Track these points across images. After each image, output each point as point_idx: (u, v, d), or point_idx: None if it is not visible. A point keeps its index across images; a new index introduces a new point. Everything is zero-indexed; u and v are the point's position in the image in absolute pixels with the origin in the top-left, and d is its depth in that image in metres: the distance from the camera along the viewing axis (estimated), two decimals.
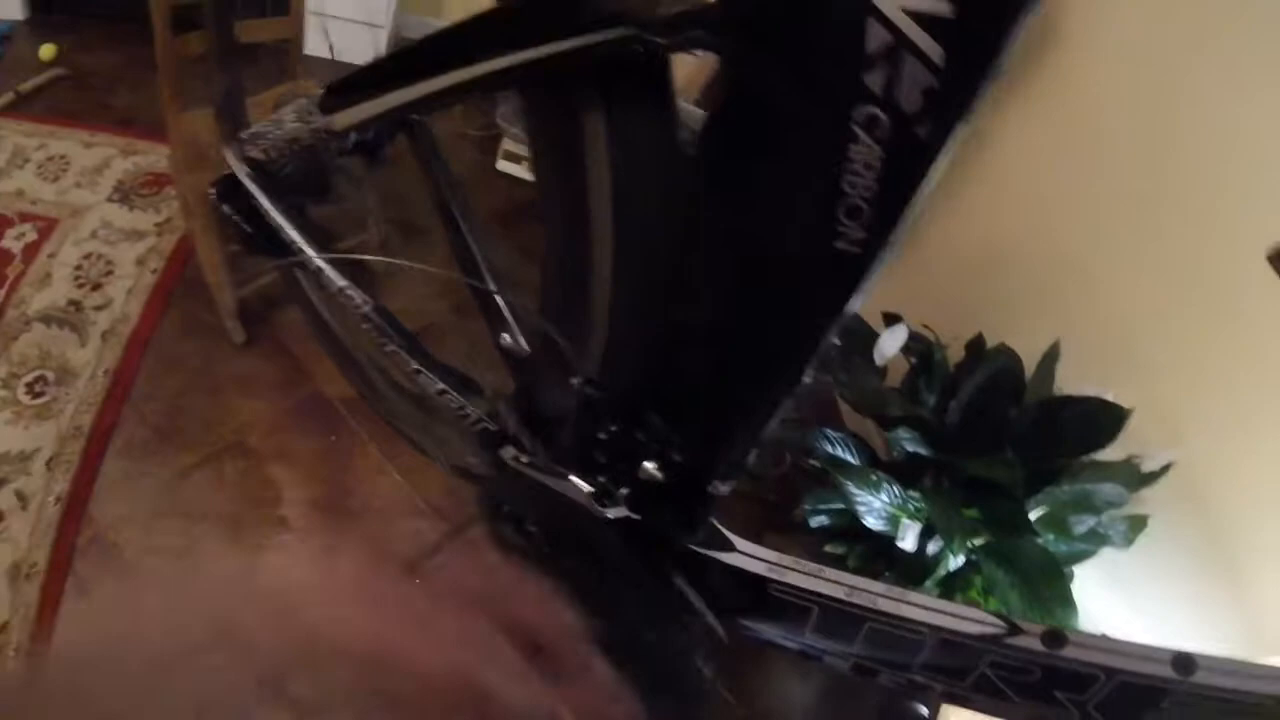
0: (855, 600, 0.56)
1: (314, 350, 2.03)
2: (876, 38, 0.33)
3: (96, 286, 2.20)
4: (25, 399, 1.96)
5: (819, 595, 0.57)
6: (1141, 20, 1.65)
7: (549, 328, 0.54)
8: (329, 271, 0.77)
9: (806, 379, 0.45)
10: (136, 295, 2.19)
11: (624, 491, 0.57)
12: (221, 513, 1.84)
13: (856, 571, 1.46)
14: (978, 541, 1.56)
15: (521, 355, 0.70)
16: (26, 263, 2.22)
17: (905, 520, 1.49)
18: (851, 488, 1.50)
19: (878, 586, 0.57)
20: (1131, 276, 1.69)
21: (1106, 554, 1.59)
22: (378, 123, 0.66)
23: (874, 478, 1.52)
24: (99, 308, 2.15)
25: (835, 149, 0.35)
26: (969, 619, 0.55)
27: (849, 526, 1.59)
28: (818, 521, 1.64)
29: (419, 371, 0.71)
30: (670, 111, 0.48)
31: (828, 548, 1.64)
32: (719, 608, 0.62)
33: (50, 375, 2.01)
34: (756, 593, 0.59)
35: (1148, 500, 1.58)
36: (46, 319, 2.11)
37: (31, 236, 2.28)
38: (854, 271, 0.39)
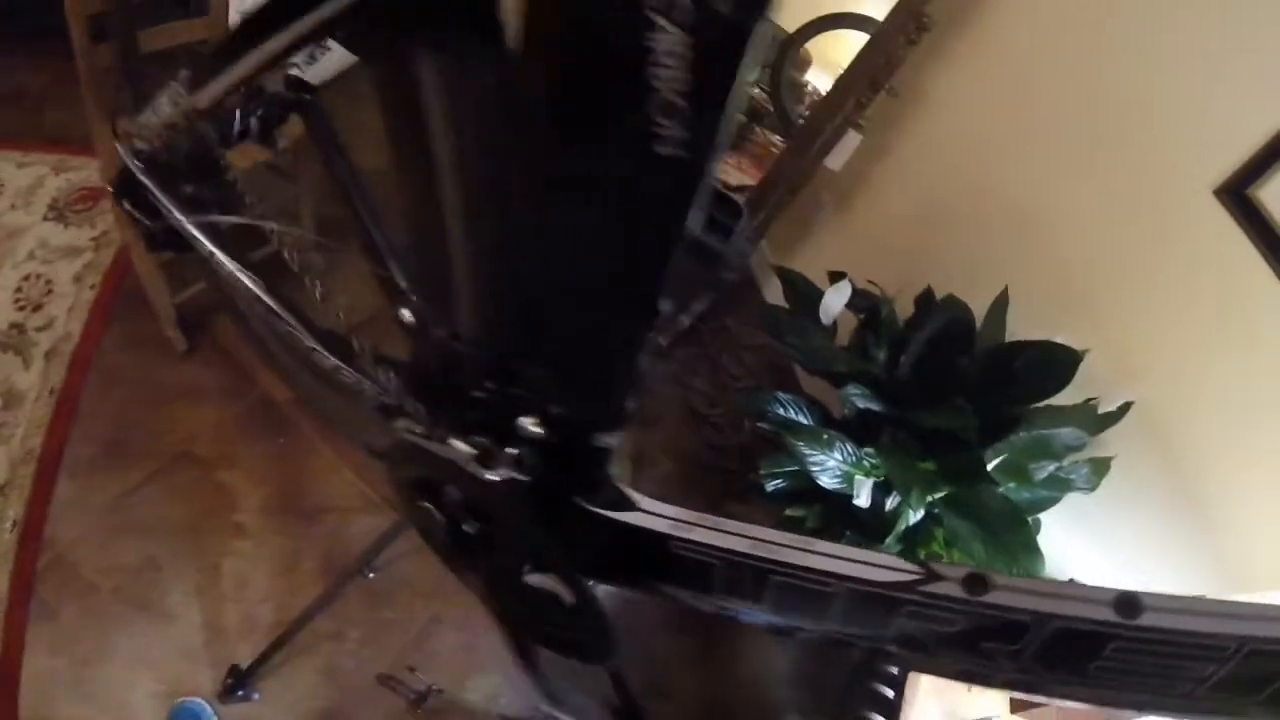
0: (758, 552, 0.54)
1: (255, 354, 2.00)
2: None
3: (37, 307, 2.15)
4: None
5: (720, 549, 0.55)
6: None
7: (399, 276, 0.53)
8: (219, 255, 0.75)
9: (663, 307, 0.43)
10: (77, 313, 2.14)
11: (510, 452, 0.55)
12: (178, 525, 1.82)
13: (816, 533, 1.45)
14: (938, 495, 1.55)
15: (412, 326, 0.68)
16: None
17: (859, 477, 1.48)
18: (804, 448, 1.49)
19: (784, 537, 0.55)
20: (1076, 220, 1.69)
21: (1073, 499, 1.59)
22: (236, 91, 0.64)
23: (826, 436, 1.52)
24: (41, 329, 2.11)
25: (634, 41, 0.32)
26: (880, 566, 0.53)
27: (805, 488, 1.58)
28: (774, 486, 1.63)
29: (313, 349, 0.69)
30: (498, 44, 0.46)
31: (788, 512, 1.63)
32: (623, 570, 0.60)
33: None
34: (660, 553, 0.57)
35: (1110, 443, 1.58)
36: None
37: None
38: (684, 177, 0.37)
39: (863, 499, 1.46)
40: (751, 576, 0.54)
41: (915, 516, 1.49)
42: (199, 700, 1.60)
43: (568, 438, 0.53)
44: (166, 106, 0.72)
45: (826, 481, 1.49)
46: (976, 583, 0.48)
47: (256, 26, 0.58)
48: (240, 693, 1.61)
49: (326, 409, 0.90)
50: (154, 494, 1.86)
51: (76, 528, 1.80)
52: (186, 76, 0.70)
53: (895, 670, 1.63)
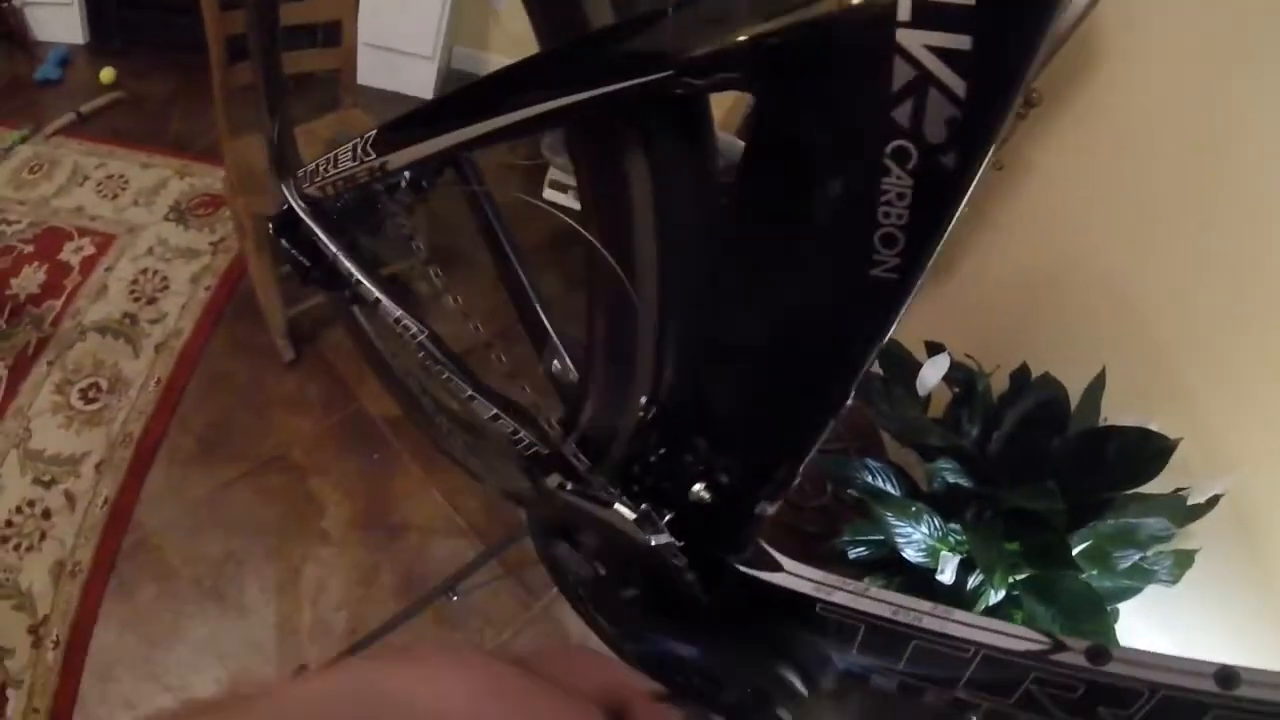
0: (900, 619, 0.56)
1: (359, 370, 2.07)
2: (902, 75, 0.34)
3: (151, 301, 2.26)
4: (79, 404, 2.02)
5: (865, 614, 0.57)
6: (1182, 33, 1.63)
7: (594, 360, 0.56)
8: (386, 302, 0.79)
9: (848, 402, 0.46)
10: (189, 311, 2.24)
11: (668, 517, 0.57)
12: (264, 525, 1.88)
13: None
14: (1019, 576, 1.54)
15: (569, 381, 0.71)
16: (84, 275, 2.29)
17: (945, 553, 1.47)
18: (891, 519, 1.49)
19: (924, 605, 0.57)
20: (1177, 302, 1.67)
21: (1153, 591, 1.56)
22: (430, 162, 0.68)
23: (914, 509, 1.51)
24: (153, 321, 2.21)
25: (869, 182, 0.37)
26: (1013, 635, 0.55)
27: (888, 558, 1.57)
28: (856, 553, 1.63)
29: (472, 398, 0.72)
30: (709, 147, 0.50)
31: (866, 580, 1.62)
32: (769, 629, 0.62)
33: (103, 383, 2.07)
34: (804, 613, 0.59)
35: (1196, 534, 1.55)
36: (102, 329, 2.18)
37: (89, 250, 2.35)
38: (891, 297, 0.41)
39: (947, 575, 1.45)
40: (891, 641, 0.57)
41: (996, 596, 1.48)
42: None
43: (731, 506, 0.56)
44: (348, 160, 0.76)
45: (911, 554, 1.48)
46: (1099, 654, 0.51)
47: (459, 105, 0.62)
48: None
49: (457, 448, 0.93)
50: (244, 492, 1.92)
51: (165, 514, 1.87)
52: (371, 137, 0.74)
53: None
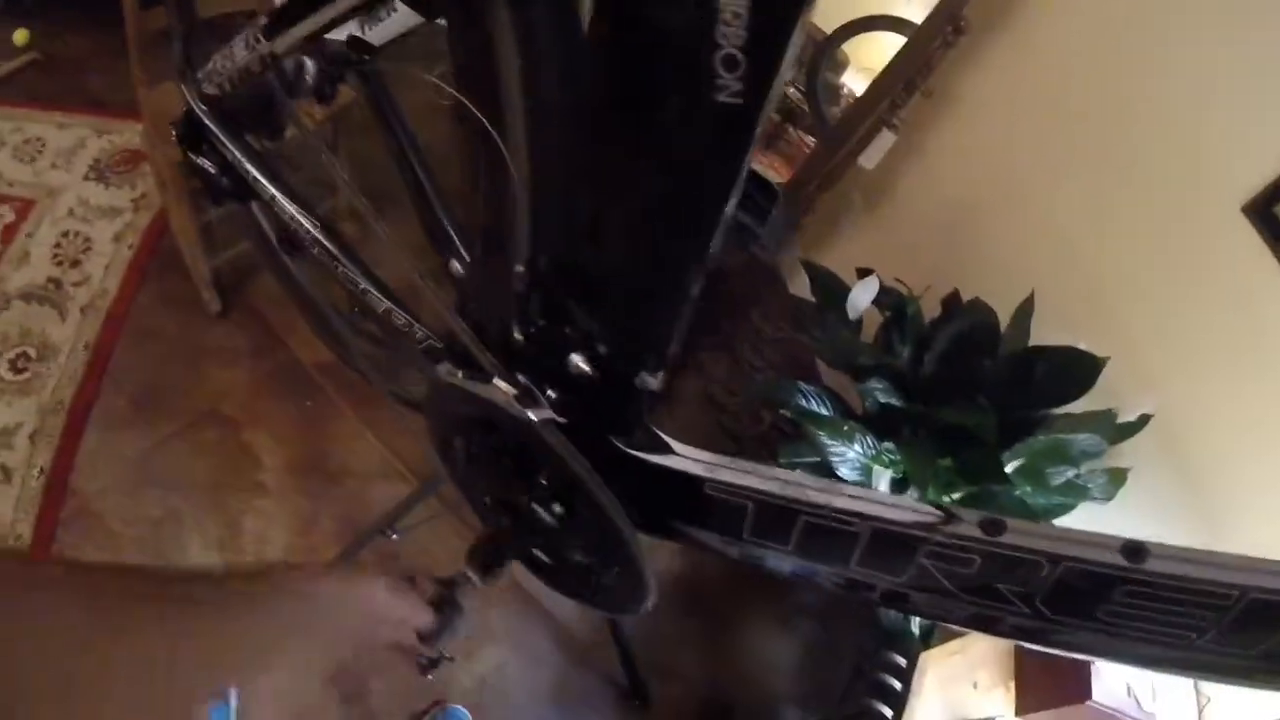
0: (788, 493, 0.56)
1: (287, 318, 2.03)
2: None
3: (75, 263, 2.19)
4: (7, 375, 1.96)
5: (753, 490, 0.57)
6: None
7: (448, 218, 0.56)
8: (280, 198, 0.78)
9: (713, 249, 0.45)
10: (114, 270, 2.18)
11: (550, 394, 0.57)
12: (201, 480, 1.85)
13: None
14: (955, 495, 1.56)
15: (463, 275, 0.71)
16: (5, 242, 2.21)
17: (878, 469, 1.50)
18: (824, 438, 1.51)
19: (811, 479, 0.57)
20: (1103, 229, 1.70)
21: (1088, 508, 1.59)
22: (316, 42, 0.67)
23: (846, 428, 1.53)
24: (78, 284, 2.15)
25: (703, 2, 0.36)
26: (903, 508, 0.55)
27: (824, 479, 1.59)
28: None
29: (366, 291, 0.71)
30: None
31: None
32: (659, 515, 0.62)
33: (31, 351, 2.01)
34: (694, 495, 0.59)
35: (1128, 454, 1.59)
36: (27, 296, 2.11)
37: (10, 217, 2.27)
38: (739, 125, 0.40)
39: (881, 491, 1.47)
40: (781, 518, 0.56)
41: None
42: None
43: (613, 377, 0.55)
44: (241, 50, 0.74)
45: (845, 473, 1.50)
46: (993, 524, 0.51)
47: None
48: None
49: (365, 359, 0.93)
50: (180, 449, 1.89)
51: (102, 478, 1.83)
52: (262, 23, 0.72)
53: (901, 661, 1.65)
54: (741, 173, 0.42)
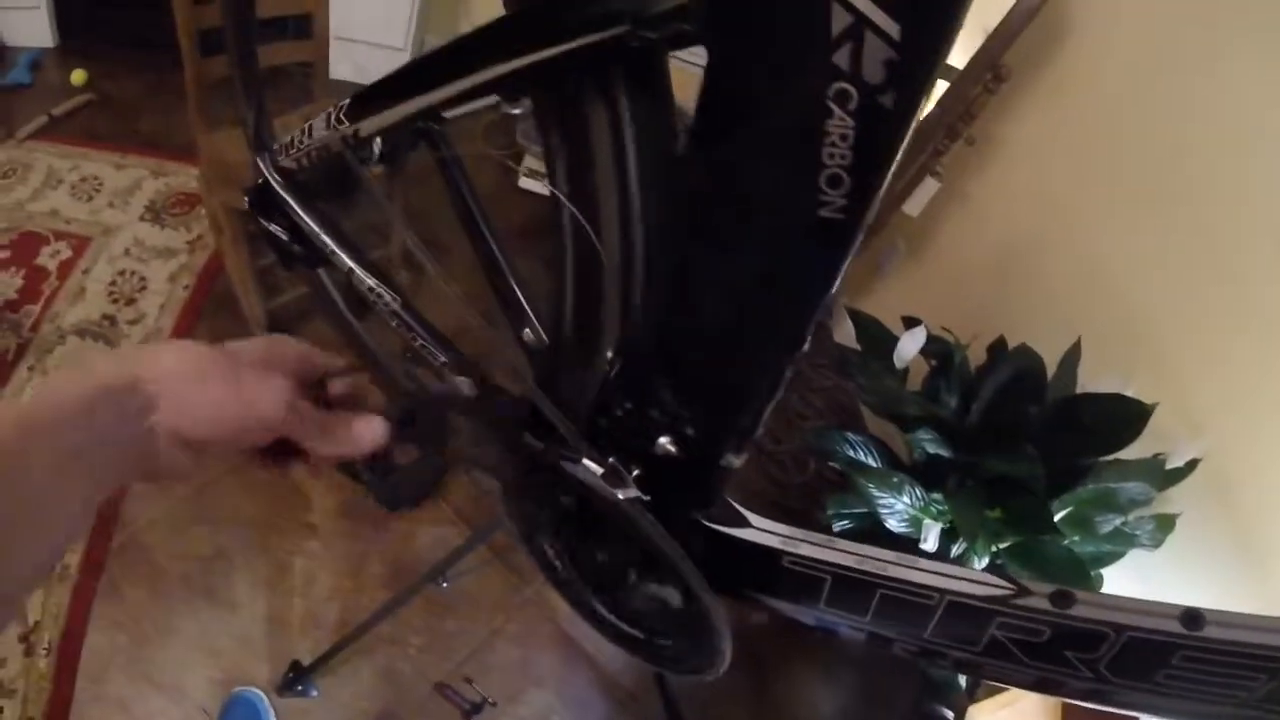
0: (866, 568, 0.57)
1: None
2: (840, 20, 0.36)
3: (130, 301, 2.25)
4: None
5: (831, 564, 0.58)
6: (1157, 10, 1.65)
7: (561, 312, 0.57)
8: (359, 272, 0.80)
9: (805, 347, 0.47)
10: (168, 310, 2.24)
11: (635, 472, 0.58)
12: (251, 519, 1.88)
13: None
14: (1002, 544, 1.55)
15: (540, 348, 0.72)
16: (61, 279, 2.28)
17: (927, 521, 1.49)
18: (873, 490, 1.51)
19: (888, 554, 0.58)
20: (1148, 271, 1.69)
21: (1135, 556, 1.58)
22: (401, 128, 0.69)
23: (895, 479, 1.53)
24: (132, 322, 2.21)
25: (812, 125, 0.38)
26: (977, 581, 0.56)
27: (872, 530, 1.59)
28: (840, 525, 1.64)
29: (444, 365, 0.73)
30: (667, 101, 0.52)
31: None
32: (736, 585, 0.63)
33: None
34: (771, 567, 0.60)
35: (1176, 500, 1.57)
36: (81, 332, 2.17)
37: (66, 254, 2.34)
38: (840, 237, 0.42)
39: (930, 543, 1.46)
40: (858, 590, 0.57)
41: (980, 564, 1.49)
42: (257, 690, 1.64)
43: (697, 458, 0.57)
44: (322, 129, 0.77)
45: (894, 524, 1.50)
46: (1062, 597, 0.52)
47: (427, 70, 0.63)
48: (299, 687, 1.65)
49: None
50: (231, 488, 1.92)
51: (152, 513, 1.87)
52: (345, 104, 0.75)
53: (948, 714, 1.63)
54: (839, 277, 0.44)
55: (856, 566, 0.57)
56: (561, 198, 0.53)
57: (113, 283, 2.29)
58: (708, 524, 0.61)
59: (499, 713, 1.68)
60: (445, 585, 1.54)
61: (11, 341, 2.11)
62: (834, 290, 0.45)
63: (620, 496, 0.56)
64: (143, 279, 2.31)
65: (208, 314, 2.23)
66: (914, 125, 0.39)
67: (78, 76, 2.89)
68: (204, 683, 1.66)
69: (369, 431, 0.57)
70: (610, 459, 0.57)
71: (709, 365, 0.52)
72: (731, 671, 1.93)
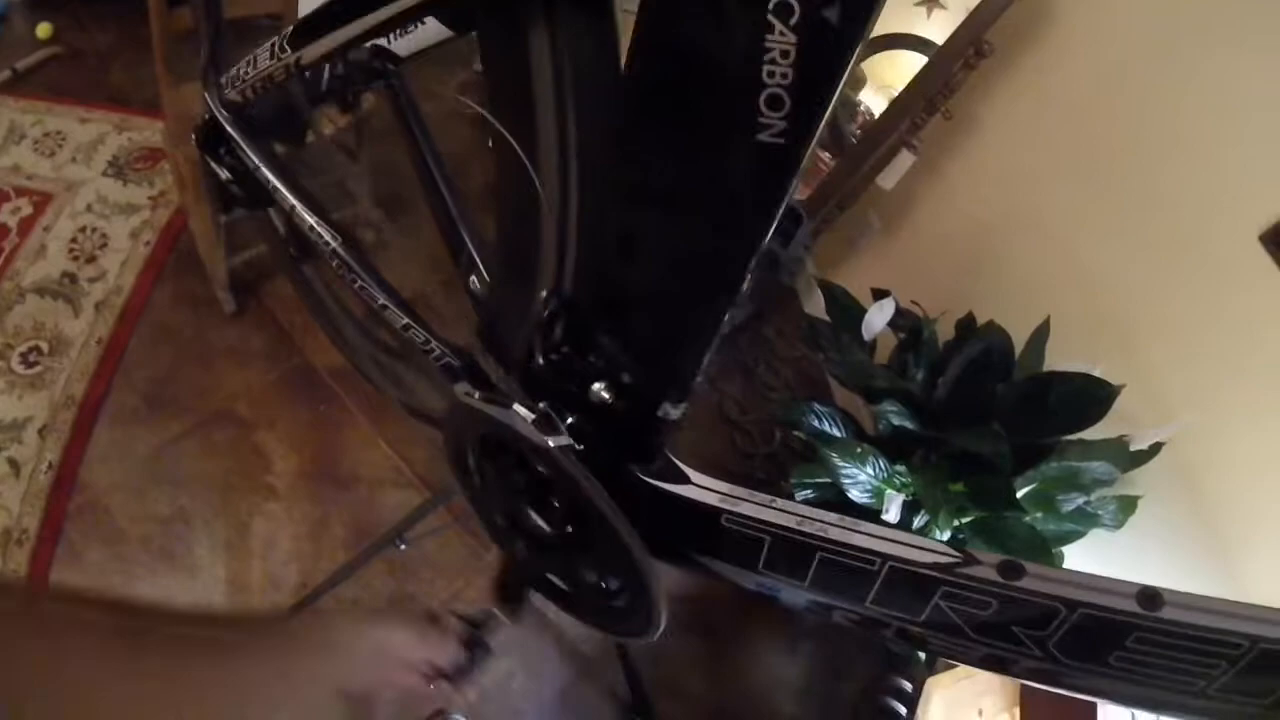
0: (806, 529, 0.56)
1: (303, 321, 2.04)
2: None
3: (91, 259, 2.20)
4: (19, 369, 1.97)
5: (770, 525, 0.56)
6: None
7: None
8: (300, 209, 0.78)
9: (745, 285, 0.45)
10: (130, 267, 2.19)
11: (570, 420, 0.56)
12: (211, 480, 1.85)
13: None
14: (965, 519, 1.55)
15: (483, 294, 0.71)
16: (22, 236, 2.22)
17: (890, 492, 1.49)
18: (836, 460, 1.50)
19: (830, 516, 0.56)
20: (1120, 255, 1.69)
21: (1097, 535, 1.58)
22: (342, 53, 0.67)
23: (859, 450, 1.52)
24: (93, 280, 2.16)
25: (752, 39, 0.36)
26: (921, 548, 0.54)
27: (835, 500, 1.58)
28: (803, 495, 1.63)
29: (385, 306, 0.71)
30: (609, 28, 0.49)
31: None
32: (673, 544, 0.62)
33: (44, 346, 2.02)
34: (710, 527, 0.58)
35: (1139, 482, 1.58)
36: (41, 290, 2.12)
37: (27, 210, 2.28)
38: (779, 165, 0.40)
39: (892, 514, 1.46)
40: (797, 553, 0.56)
41: (941, 538, 1.49)
42: None
43: (635, 406, 0.55)
44: (266, 59, 0.74)
45: (856, 495, 1.49)
46: (1011, 569, 0.50)
47: None
48: None
49: (382, 372, 0.92)
50: (191, 448, 1.89)
51: (112, 475, 1.84)
52: (288, 32, 0.72)
53: (907, 686, 1.64)
54: (779, 212, 0.42)
55: (796, 528, 0.56)
56: (496, 124, 0.51)
57: (74, 240, 2.24)
58: (646, 479, 0.59)
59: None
60: (404, 548, 1.52)
61: None
62: (773, 225, 0.43)
63: (550, 444, 0.54)
64: (104, 235, 2.26)
65: (170, 272, 2.18)
66: (859, 49, 0.36)
67: (43, 30, 2.80)
68: None
69: None
70: (542, 405, 0.55)
71: (646, 306, 0.50)
72: (691, 640, 1.95)
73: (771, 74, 0.37)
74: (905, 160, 1.99)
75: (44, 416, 1.90)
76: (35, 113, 2.56)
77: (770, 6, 0.36)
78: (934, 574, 0.52)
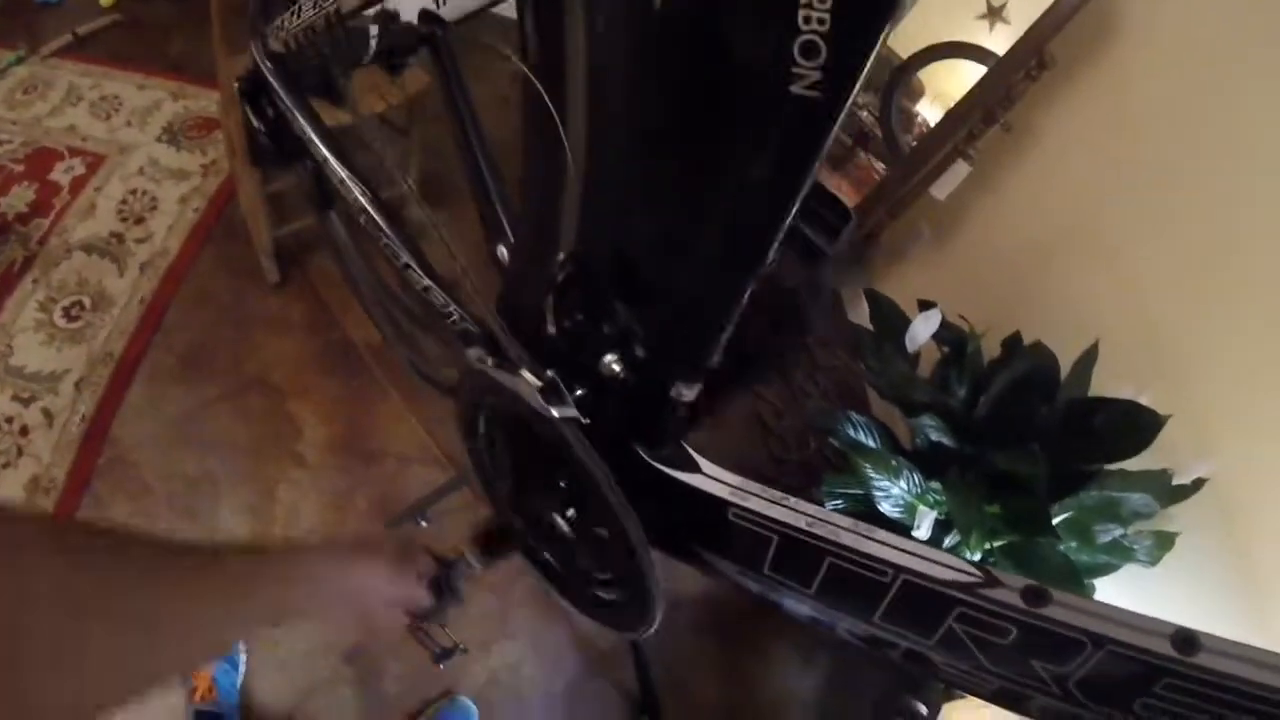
0: (816, 531, 0.52)
1: (344, 296, 2.04)
2: None
3: (139, 220, 2.24)
4: (60, 322, 2.00)
5: (779, 523, 0.53)
6: (1203, 16, 1.58)
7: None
8: (332, 161, 0.77)
9: (767, 260, 0.42)
10: (177, 231, 2.22)
11: (579, 392, 0.54)
12: (241, 445, 1.86)
13: None
14: (997, 542, 1.51)
15: (506, 263, 0.69)
16: (73, 194, 2.27)
17: (922, 508, 1.45)
18: (870, 471, 1.46)
19: (844, 520, 0.53)
20: (1176, 282, 1.63)
21: (1129, 571, 1.53)
22: (376, 3, 0.66)
23: (894, 463, 1.48)
24: (140, 241, 2.19)
25: None
26: (940, 563, 0.51)
27: (865, 513, 1.54)
28: (833, 505, 1.59)
29: (407, 266, 0.70)
30: None
31: None
32: (676, 534, 0.59)
33: (87, 301, 2.05)
34: (716, 520, 0.55)
35: (1177, 518, 1.52)
36: (88, 248, 2.15)
37: (80, 170, 2.33)
38: (812, 121, 0.37)
39: (923, 531, 1.42)
40: (806, 556, 0.53)
41: (971, 559, 1.45)
42: None
43: (646, 383, 0.53)
44: (309, 8, 0.74)
45: (888, 509, 1.45)
46: (1036, 595, 0.46)
47: None
48: None
49: (395, 329, 0.92)
50: (223, 413, 1.90)
51: (143, 432, 1.85)
52: None
53: (923, 710, 1.59)
54: (809, 176, 0.39)
55: (806, 528, 0.52)
56: (524, 68, 0.49)
57: (124, 201, 2.27)
58: (653, 463, 0.56)
59: (469, 660, 1.66)
60: (425, 525, 1.51)
61: (19, 253, 2.10)
62: (802, 191, 0.40)
63: (555, 413, 0.52)
64: (154, 199, 2.29)
65: (216, 239, 2.21)
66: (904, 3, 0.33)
67: None
68: None
69: None
70: (550, 373, 0.53)
71: (665, 273, 0.48)
72: (707, 641, 1.92)
73: (808, 19, 0.33)
74: (960, 170, 1.94)
75: (81, 370, 1.93)
76: (93, 77, 2.60)
77: None
78: (951, 592, 0.49)
